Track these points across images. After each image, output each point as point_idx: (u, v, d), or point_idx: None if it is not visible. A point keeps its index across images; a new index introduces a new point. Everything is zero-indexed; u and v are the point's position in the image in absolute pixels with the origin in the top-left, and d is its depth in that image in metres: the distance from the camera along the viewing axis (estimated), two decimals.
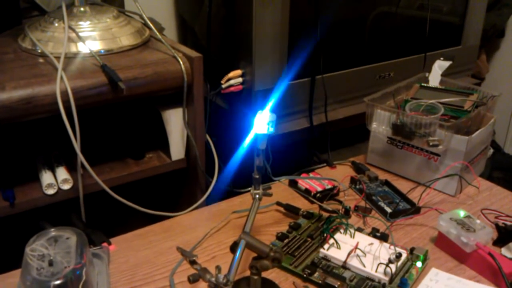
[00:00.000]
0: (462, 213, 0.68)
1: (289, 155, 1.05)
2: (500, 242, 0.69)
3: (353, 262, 0.62)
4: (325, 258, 0.64)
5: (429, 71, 0.92)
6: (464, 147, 0.76)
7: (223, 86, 0.99)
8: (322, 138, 1.10)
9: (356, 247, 0.63)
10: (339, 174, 0.86)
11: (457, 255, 0.66)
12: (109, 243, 0.67)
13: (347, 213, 0.74)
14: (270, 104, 0.60)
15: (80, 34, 0.82)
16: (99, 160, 0.87)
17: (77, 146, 0.74)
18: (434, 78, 0.91)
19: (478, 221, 0.67)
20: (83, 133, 0.74)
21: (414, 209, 0.75)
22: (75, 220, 0.74)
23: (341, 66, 1.12)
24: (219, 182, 0.93)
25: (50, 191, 0.78)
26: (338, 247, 0.64)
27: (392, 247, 0.64)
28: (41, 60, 0.80)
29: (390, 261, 0.61)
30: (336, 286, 0.59)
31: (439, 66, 0.91)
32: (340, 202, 0.77)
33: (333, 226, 0.68)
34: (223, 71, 1.00)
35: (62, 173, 0.80)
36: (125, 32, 0.87)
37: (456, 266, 0.65)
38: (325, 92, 1.06)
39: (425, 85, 0.90)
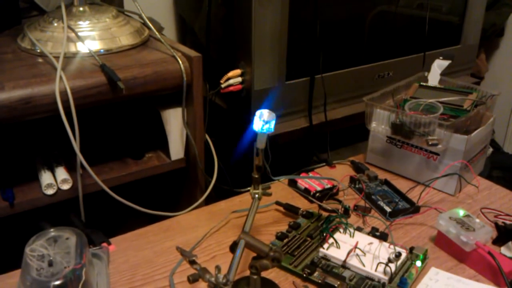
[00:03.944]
0: (461, 212, 0.68)
1: (289, 154, 1.05)
2: (499, 241, 0.69)
3: (353, 262, 0.62)
4: (325, 257, 0.64)
5: (429, 70, 0.92)
6: (464, 146, 0.76)
7: (223, 85, 0.99)
8: (321, 138, 1.10)
9: (355, 247, 0.63)
10: (339, 173, 0.86)
11: (457, 254, 0.66)
12: (109, 243, 0.67)
13: (346, 212, 0.74)
14: (270, 103, 0.60)
15: (79, 34, 0.82)
16: (98, 160, 0.87)
17: (76, 146, 0.74)
18: (434, 77, 0.91)
19: (477, 220, 0.67)
20: (82, 133, 0.74)
21: (414, 208, 0.75)
22: (74, 220, 0.74)
23: (340, 65, 1.12)
24: (219, 181, 0.93)
25: (50, 191, 0.78)
26: (338, 247, 0.64)
27: (391, 246, 0.64)
28: (40, 60, 0.80)
29: (389, 261, 0.61)
30: (336, 285, 0.59)
31: (439, 65, 0.91)
32: (340, 202, 0.77)
33: (332, 225, 0.68)
34: (223, 71, 1.00)
35: (61, 173, 0.80)
36: (124, 31, 0.87)
37: (456, 265, 0.65)
38: (324, 92, 1.06)
39: (425, 84, 0.90)
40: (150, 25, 0.89)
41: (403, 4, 1.21)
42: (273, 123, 0.60)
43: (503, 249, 0.67)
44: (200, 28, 1.11)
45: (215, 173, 0.91)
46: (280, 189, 0.80)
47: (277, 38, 0.98)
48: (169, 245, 0.68)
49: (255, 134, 0.60)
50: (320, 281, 0.60)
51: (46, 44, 0.81)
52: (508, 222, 0.72)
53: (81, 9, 0.87)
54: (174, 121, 0.88)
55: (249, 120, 0.60)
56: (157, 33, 0.88)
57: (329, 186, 0.79)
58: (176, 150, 0.90)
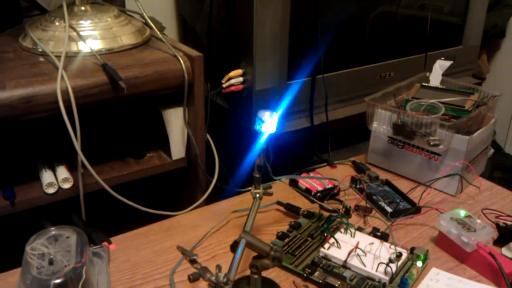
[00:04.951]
0: (462, 213, 0.68)
1: (290, 154, 1.05)
2: (500, 242, 0.69)
3: (354, 262, 0.62)
4: (326, 257, 0.64)
5: (430, 70, 0.92)
6: (465, 147, 0.76)
7: (224, 85, 0.99)
8: (322, 138, 1.09)
9: (356, 247, 0.63)
10: (340, 173, 0.86)
11: (458, 254, 0.66)
12: (109, 242, 0.67)
13: (347, 212, 0.74)
14: (274, 104, 0.60)
15: (81, 33, 0.82)
16: (99, 159, 0.87)
17: (77, 145, 0.74)
18: (435, 77, 0.91)
19: (478, 221, 0.67)
20: (83, 132, 0.74)
21: (415, 209, 0.75)
22: (75, 219, 0.74)
23: (341, 66, 1.12)
24: (219, 181, 0.93)
25: (51, 190, 0.78)
26: (339, 247, 0.64)
27: (392, 246, 0.64)
28: (41, 59, 0.80)
29: (390, 261, 0.61)
30: (337, 285, 0.59)
31: (440, 65, 0.91)
32: (341, 202, 0.77)
33: (333, 225, 0.68)
34: (224, 71, 1.00)
35: (62, 172, 0.80)
36: (126, 31, 0.87)
37: (457, 265, 0.65)
38: (325, 92, 1.06)
39: (426, 84, 0.90)
40: (152, 24, 0.89)
41: (405, 4, 1.21)
42: (274, 123, 0.60)
43: (504, 250, 0.67)
44: (201, 28, 1.11)
45: (216, 173, 0.91)
46: (281, 189, 0.80)
47: (278, 38, 0.98)
48: (169, 245, 0.68)
49: (256, 134, 0.60)
50: (320, 281, 0.60)
51: (48, 43, 0.81)
52: (509, 223, 0.71)
53: (82, 8, 0.87)
54: (175, 121, 0.88)
55: (250, 120, 0.60)
56: (158, 32, 0.88)
57: (330, 186, 0.79)
58: (177, 149, 0.90)
